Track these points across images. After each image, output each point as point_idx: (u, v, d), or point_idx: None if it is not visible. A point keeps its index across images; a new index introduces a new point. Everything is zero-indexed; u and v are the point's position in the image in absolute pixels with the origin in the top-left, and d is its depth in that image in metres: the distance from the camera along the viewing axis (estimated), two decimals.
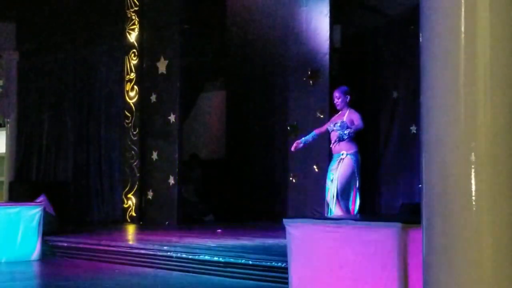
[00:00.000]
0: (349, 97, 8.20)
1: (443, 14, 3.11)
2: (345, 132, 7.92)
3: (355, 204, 7.97)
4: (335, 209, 7.88)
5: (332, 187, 7.96)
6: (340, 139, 7.94)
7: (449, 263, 3.05)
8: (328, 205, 8.07)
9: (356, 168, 7.98)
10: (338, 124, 8.06)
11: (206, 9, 13.15)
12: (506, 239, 3.02)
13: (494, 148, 3.02)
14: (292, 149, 8.57)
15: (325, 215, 8.06)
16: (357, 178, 7.99)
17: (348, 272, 4.78)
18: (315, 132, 8.47)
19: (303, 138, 8.49)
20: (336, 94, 8.24)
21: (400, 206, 6.14)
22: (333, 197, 7.90)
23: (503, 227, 3.02)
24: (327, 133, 8.34)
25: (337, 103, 8.22)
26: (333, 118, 8.36)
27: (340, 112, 8.25)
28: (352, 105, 8.26)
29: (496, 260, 3.01)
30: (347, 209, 7.92)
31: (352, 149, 8.01)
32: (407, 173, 10.65)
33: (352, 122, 8.03)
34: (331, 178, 8.03)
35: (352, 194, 7.97)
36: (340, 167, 7.96)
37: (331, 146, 8.21)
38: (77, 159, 13.67)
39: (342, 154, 7.99)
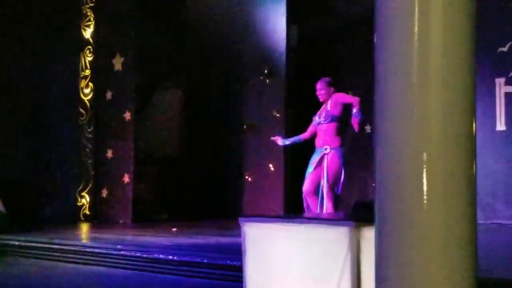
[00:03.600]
0: (332, 88, 7.95)
1: (396, 16, 3.14)
2: (356, 113, 7.60)
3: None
4: (326, 205, 7.72)
5: (322, 183, 7.75)
6: (360, 121, 7.64)
7: (401, 261, 3.08)
8: (304, 198, 7.96)
9: (342, 163, 7.85)
10: (324, 114, 7.86)
11: (163, 6, 13.08)
12: (457, 237, 3.06)
13: (446, 148, 3.05)
14: (272, 138, 8.47)
15: (304, 208, 7.97)
16: (343, 173, 7.85)
17: (302, 270, 4.79)
18: (301, 137, 8.23)
19: (289, 139, 8.34)
20: (318, 85, 7.97)
21: (354, 204, 6.16)
22: (323, 192, 7.77)
23: (454, 226, 3.06)
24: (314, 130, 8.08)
25: (320, 95, 7.96)
26: (318, 112, 8.08)
27: (324, 105, 8.00)
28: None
29: (447, 258, 3.04)
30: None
31: (336, 143, 7.84)
32: (361, 172, 10.74)
33: (336, 105, 7.82)
34: (310, 171, 7.89)
35: (339, 190, 7.89)
36: (328, 162, 7.76)
37: (316, 139, 7.98)
38: (30, 156, 13.49)
39: (326, 149, 7.80)
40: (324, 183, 7.77)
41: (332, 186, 7.76)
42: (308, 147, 8.26)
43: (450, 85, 3.06)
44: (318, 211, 7.73)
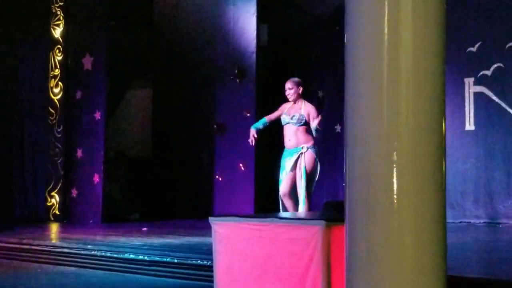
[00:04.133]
0: (301, 88, 8.01)
1: (366, 15, 3.15)
2: (316, 128, 7.77)
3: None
4: (304, 204, 7.72)
5: (300, 182, 7.80)
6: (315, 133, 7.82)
7: (371, 261, 3.09)
8: (281, 199, 7.97)
9: (318, 161, 7.90)
10: (296, 117, 7.90)
11: (133, 5, 13.02)
12: (427, 237, 3.08)
13: (415, 148, 3.07)
14: (251, 143, 8.39)
15: (280, 210, 7.97)
16: (318, 171, 7.92)
17: (273, 269, 4.80)
18: (266, 119, 8.22)
19: (253, 126, 8.25)
20: (289, 85, 8.01)
21: (324, 204, 6.18)
22: (303, 191, 7.77)
23: (424, 226, 3.08)
24: (277, 123, 8.11)
25: (290, 94, 7.99)
26: (285, 110, 8.09)
27: (293, 104, 8.03)
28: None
29: (417, 257, 3.07)
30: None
31: (311, 141, 7.90)
32: (331, 172, 10.77)
33: (308, 115, 7.87)
34: (285, 172, 7.89)
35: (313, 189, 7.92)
36: (305, 161, 7.80)
37: (286, 139, 8.00)
38: None
39: (303, 148, 7.83)
40: (301, 183, 7.80)
41: (309, 185, 7.80)
42: (279, 146, 8.27)
43: (420, 85, 3.08)
44: (295, 211, 7.75)
